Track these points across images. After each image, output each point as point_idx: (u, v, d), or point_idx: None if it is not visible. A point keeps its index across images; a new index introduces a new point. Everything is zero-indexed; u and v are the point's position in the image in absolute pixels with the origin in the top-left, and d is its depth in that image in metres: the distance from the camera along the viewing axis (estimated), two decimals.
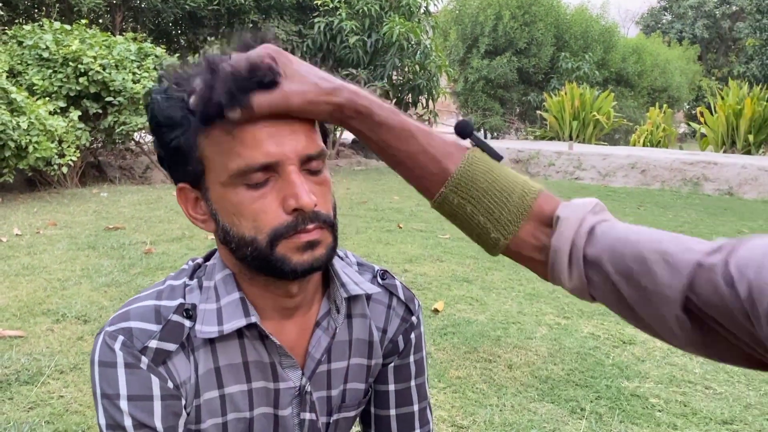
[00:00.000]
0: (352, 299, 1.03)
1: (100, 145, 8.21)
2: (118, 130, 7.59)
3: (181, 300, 0.94)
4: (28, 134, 6.11)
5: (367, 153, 12.02)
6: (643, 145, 15.78)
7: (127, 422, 0.89)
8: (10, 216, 5.82)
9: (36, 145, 6.18)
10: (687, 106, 29.10)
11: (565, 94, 16.09)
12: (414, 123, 0.82)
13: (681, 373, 2.97)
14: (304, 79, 0.79)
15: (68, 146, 6.76)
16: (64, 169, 6.84)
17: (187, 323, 0.92)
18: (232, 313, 0.92)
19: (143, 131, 8.60)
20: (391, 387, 1.10)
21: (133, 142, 8.59)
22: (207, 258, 1.01)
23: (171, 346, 0.91)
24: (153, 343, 0.90)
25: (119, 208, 6.41)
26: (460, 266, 4.65)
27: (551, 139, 16.78)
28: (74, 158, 6.87)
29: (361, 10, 11.00)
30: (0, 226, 5.35)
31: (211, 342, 0.93)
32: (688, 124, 19.97)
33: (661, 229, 0.69)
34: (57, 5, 8.62)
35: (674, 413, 2.58)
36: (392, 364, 1.08)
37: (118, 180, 8.63)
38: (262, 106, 0.78)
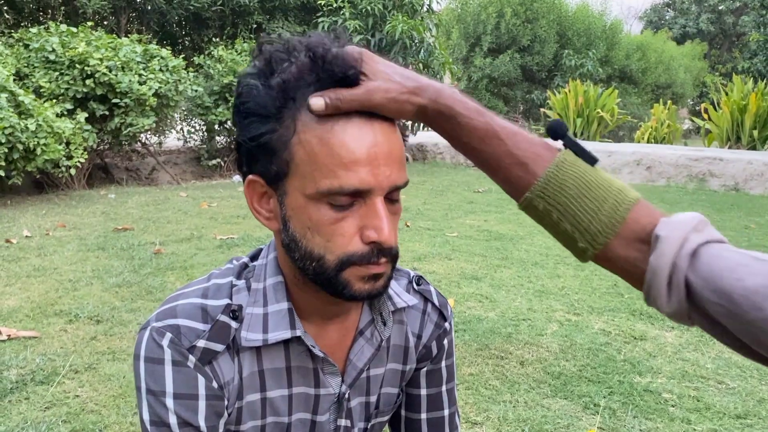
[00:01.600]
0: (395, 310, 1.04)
1: (106, 146, 8.24)
2: (124, 132, 7.62)
3: (227, 300, 0.93)
4: (36, 136, 6.13)
5: None
6: (648, 142, 15.75)
7: (172, 420, 0.88)
8: (19, 218, 5.84)
9: (44, 148, 6.20)
10: (691, 103, 29.03)
11: (569, 91, 16.07)
12: (500, 123, 0.79)
13: (693, 369, 2.97)
14: (387, 77, 0.78)
15: (75, 148, 6.79)
16: (72, 171, 6.87)
17: (234, 324, 0.91)
18: (278, 323, 0.92)
19: (149, 132, 8.62)
20: (423, 391, 1.10)
21: (139, 143, 8.62)
22: (253, 258, 1.00)
23: (218, 347, 0.90)
24: (201, 343, 0.89)
25: (127, 210, 6.44)
26: (468, 264, 4.66)
27: None
28: (81, 160, 6.89)
29: (364, 10, 11.01)
30: (10, 228, 5.38)
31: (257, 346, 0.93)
32: (692, 120, 19.92)
33: None
34: (62, 8, 8.65)
35: (687, 408, 2.59)
36: (425, 369, 1.09)
37: (125, 181, 8.65)
38: (345, 100, 0.77)
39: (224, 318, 0.92)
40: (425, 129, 12.84)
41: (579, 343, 3.22)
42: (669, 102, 17.36)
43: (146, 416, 0.89)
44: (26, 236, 5.09)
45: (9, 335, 2.91)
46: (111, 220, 5.87)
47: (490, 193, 8.50)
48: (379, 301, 1.02)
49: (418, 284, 1.09)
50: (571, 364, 2.96)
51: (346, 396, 1.01)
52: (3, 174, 6.06)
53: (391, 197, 0.85)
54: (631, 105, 19.78)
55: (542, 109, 17.81)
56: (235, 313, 0.92)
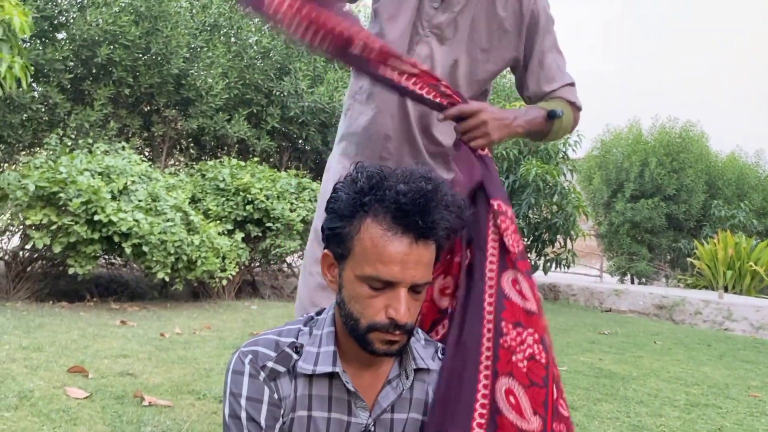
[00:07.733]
0: (418, 369, 1.40)
1: (257, 264, 9.22)
2: (273, 252, 8.55)
3: (293, 339, 1.36)
4: (199, 250, 7.14)
5: None
6: None
7: (243, 414, 1.32)
8: (174, 318, 6.72)
9: (204, 260, 7.18)
10: None
11: (718, 242, 15.42)
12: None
13: None
14: None
15: (230, 262, 7.74)
16: (224, 282, 7.80)
17: (295, 356, 1.33)
18: (324, 360, 1.32)
19: (295, 254, 9.56)
20: None
21: (285, 264, 9.55)
22: (318, 313, 1.43)
23: (281, 369, 1.32)
24: (270, 364, 1.32)
25: (265, 319, 7.15)
26: (568, 395, 4.71)
27: (704, 287, 15.92)
28: (233, 273, 7.82)
29: (499, 154, 11.70)
30: (165, 326, 6.22)
31: (309, 375, 1.33)
32: None
33: None
34: (236, 145, 10.13)
35: None
36: None
37: (268, 296, 9.53)
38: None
39: (288, 350, 1.36)
40: (557, 269, 12.85)
41: None
42: None
43: (227, 411, 1.34)
44: (177, 333, 5.88)
45: (150, 402, 3.49)
46: (249, 326, 6.58)
47: (616, 336, 8.34)
48: (406, 360, 1.41)
49: (443, 354, 1.47)
50: None
51: (372, 428, 1.37)
52: (167, 280, 7.06)
53: (416, 289, 1.25)
54: None
55: (689, 259, 17.10)
56: (297, 348, 1.36)
